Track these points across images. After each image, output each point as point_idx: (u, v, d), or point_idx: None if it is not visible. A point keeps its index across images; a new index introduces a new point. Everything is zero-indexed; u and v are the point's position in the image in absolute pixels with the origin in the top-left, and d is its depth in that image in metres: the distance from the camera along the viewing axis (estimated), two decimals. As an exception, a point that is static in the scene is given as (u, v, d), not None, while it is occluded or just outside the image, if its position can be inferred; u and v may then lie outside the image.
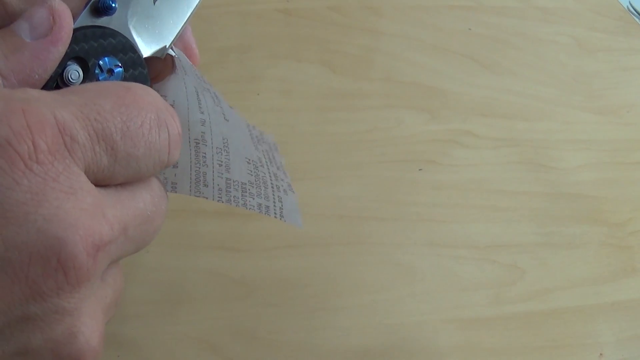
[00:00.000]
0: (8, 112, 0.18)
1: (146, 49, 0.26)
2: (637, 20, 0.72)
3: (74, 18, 0.23)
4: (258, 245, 0.47)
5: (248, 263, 0.46)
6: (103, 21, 0.24)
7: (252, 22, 0.62)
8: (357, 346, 0.43)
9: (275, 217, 0.28)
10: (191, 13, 0.27)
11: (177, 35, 0.27)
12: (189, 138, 0.27)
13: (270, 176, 0.28)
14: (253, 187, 0.28)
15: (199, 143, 0.27)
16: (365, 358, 0.43)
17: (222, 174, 0.27)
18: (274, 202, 0.28)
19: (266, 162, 0.28)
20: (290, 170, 0.52)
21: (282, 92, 0.57)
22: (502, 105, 0.60)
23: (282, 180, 0.29)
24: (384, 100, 0.58)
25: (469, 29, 0.66)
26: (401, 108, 0.58)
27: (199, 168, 0.27)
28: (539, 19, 0.69)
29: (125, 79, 0.24)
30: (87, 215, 0.19)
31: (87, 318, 0.20)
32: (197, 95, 0.27)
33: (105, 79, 0.24)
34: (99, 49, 0.24)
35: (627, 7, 0.74)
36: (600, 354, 0.45)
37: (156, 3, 0.26)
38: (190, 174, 0.27)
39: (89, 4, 0.24)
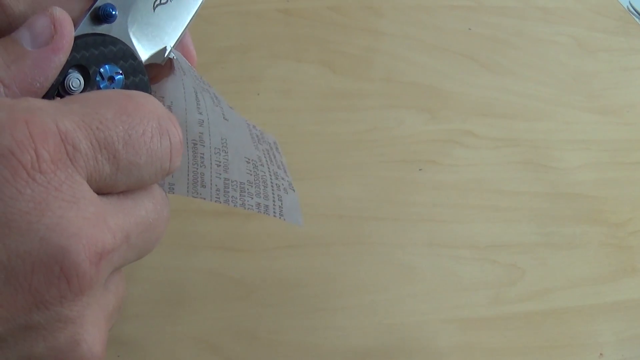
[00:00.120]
0: (11, 122, 0.18)
1: (146, 56, 0.26)
2: (637, 20, 0.72)
3: (75, 26, 0.23)
4: (258, 245, 0.47)
5: (248, 263, 0.46)
6: (103, 29, 0.24)
7: (252, 22, 0.62)
8: (357, 346, 0.43)
9: (275, 216, 0.28)
10: (191, 19, 0.27)
11: (177, 41, 0.27)
12: (187, 139, 0.27)
13: (270, 175, 0.28)
14: (252, 186, 0.28)
15: (196, 144, 0.27)
16: (365, 358, 0.43)
17: (220, 174, 0.27)
18: (274, 201, 0.28)
19: (266, 161, 0.28)
20: (290, 170, 0.52)
21: (282, 92, 0.57)
22: (502, 105, 0.60)
23: (283, 179, 0.29)
24: (384, 100, 0.58)
25: (469, 29, 0.66)
26: (401, 108, 0.58)
27: (197, 169, 0.27)
28: (539, 19, 0.69)
29: (126, 86, 0.24)
30: (89, 224, 0.19)
31: (90, 326, 0.20)
32: (196, 95, 0.27)
33: (106, 87, 0.24)
34: (100, 57, 0.24)
35: (627, 7, 0.74)
36: (600, 354, 0.45)
37: (156, 10, 0.26)
38: (188, 175, 0.27)
39: (90, 12, 0.24)
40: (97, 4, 0.24)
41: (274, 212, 0.28)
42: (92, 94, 0.21)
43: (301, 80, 0.58)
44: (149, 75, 0.26)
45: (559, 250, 0.51)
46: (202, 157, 0.27)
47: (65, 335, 0.19)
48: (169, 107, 0.27)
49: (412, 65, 0.62)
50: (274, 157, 0.29)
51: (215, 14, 0.60)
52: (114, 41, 0.24)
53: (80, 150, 0.19)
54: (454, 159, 0.55)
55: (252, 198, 0.27)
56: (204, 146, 0.27)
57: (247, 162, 0.28)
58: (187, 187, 0.27)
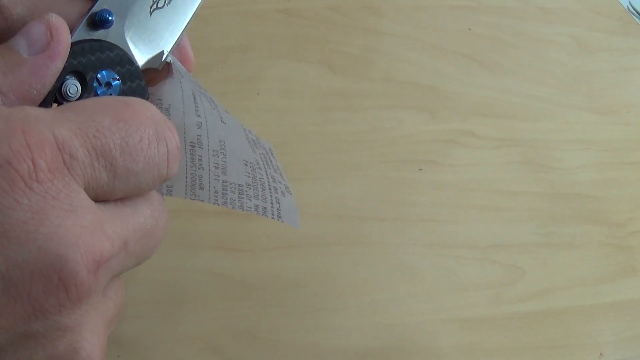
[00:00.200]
0: (8, 132, 0.18)
1: (143, 60, 0.26)
2: (637, 20, 0.72)
3: (72, 31, 0.23)
4: (258, 245, 0.47)
5: (248, 263, 0.46)
6: (100, 34, 0.24)
7: (252, 22, 0.62)
8: (357, 346, 0.43)
9: (273, 218, 0.28)
10: (187, 23, 0.27)
11: (174, 45, 0.27)
12: (185, 141, 0.27)
13: (267, 178, 0.28)
14: (250, 188, 0.28)
15: (194, 146, 0.27)
16: (365, 358, 0.43)
17: (219, 176, 0.27)
18: (272, 203, 0.28)
19: (263, 164, 0.28)
20: (290, 170, 0.52)
21: (282, 92, 0.57)
22: (502, 105, 0.60)
23: (280, 182, 0.29)
24: (384, 100, 0.58)
25: (469, 29, 0.66)
26: (401, 108, 0.58)
27: (195, 171, 0.27)
28: (538, 18, 0.69)
29: (123, 91, 0.24)
30: (87, 233, 0.19)
31: (89, 334, 0.20)
32: (194, 98, 0.27)
33: (103, 93, 0.24)
34: (97, 63, 0.24)
35: (627, 7, 0.74)
36: (600, 354, 0.45)
37: (152, 14, 0.26)
38: (186, 177, 0.27)
39: (86, 18, 0.24)
40: (94, 9, 0.24)
41: (272, 214, 0.28)
42: (89, 101, 0.21)
43: (301, 80, 0.58)
44: (146, 79, 0.26)
45: (559, 250, 0.51)
46: (201, 160, 0.27)
47: (64, 344, 0.19)
48: (167, 110, 0.27)
49: (412, 65, 0.62)
50: (270, 161, 0.29)
51: (215, 14, 0.60)
52: (111, 47, 0.24)
53: (77, 159, 0.19)
54: (454, 159, 0.55)
55: (251, 200, 0.27)
56: (202, 148, 0.27)
57: (245, 164, 0.28)
58: (185, 190, 0.27)
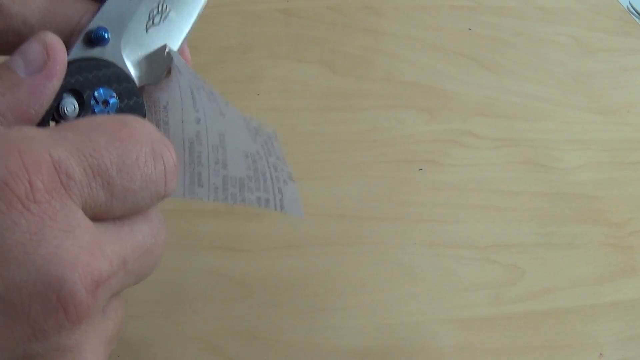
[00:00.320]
0: (4, 153, 0.18)
1: (141, 77, 0.26)
2: (637, 20, 0.72)
3: (68, 49, 0.23)
4: (258, 245, 0.47)
5: (248, 263, 0.46)
6: (96, 52, 0.24)
7: (252, 22, 0.62)
8: (357, 346, 0.43)
9: (276, 209, 0.28)
10: (184, 38, 0.27)
11: (170, 61, 0.27)
12: (183, 139, 0.27)
13: (269, 168, 0.28)
14: (252, 181, 0.27)
15: (193, 143, 0.27)
16: (365, 358, 0.43)
17: (219, 171, 0.27)
18: (274, 194, 0.28)
19: (265, 154, 0.28)
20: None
21: (282, 92, 0.57)
22: (502, 105, 0.60)
23: (282, 170, 0.29)
24: (384, 100, 0.58)
25: (469, 29, 0.66)
26: (401, 108, 0.58)
27: (194, 169, 0.27)
28: (539, 18, 0.69)
29: (120, 108, 0.24)
30: (85, 253, 0.19)
31: (89, 353, 0.20)
32: (192, 94, 0.27)
33: (100, 111, 0.24)
34: (94, 81, 0.24)
35: (627, 7, 0.74)
36: (600, 354, 0.45)
37: (148, 31, 0.26)
38: (184, 176, 0.27)
39: (83, 35, 0.24)
40: (90, 27, 0.24)
41: (275, 206, 0.28)
42: (85, 121, 0.21)
43: (301, 80, 0.58)
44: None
45: (559, 250, 0.51)
46: (200, 156, 0.27)
47: None
48: (165, 108, 0.27)
49: (412, 65, 0.62)
50: (273, 148, 0.29)
51: (215, 14, 0.60)
52: (107, 64, 0.24)
53: (74, 179, 0.19)
54: (454, 159, 0.55)
55: (252, 193, 0.27)
56: (201, 144, 0.27)
57: (245, 156, 0.28)
58: (184, 189, 0.27)
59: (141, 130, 0.21)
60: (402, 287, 0.47)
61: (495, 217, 0.52)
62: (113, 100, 0.24)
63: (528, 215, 0.52)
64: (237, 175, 0.27)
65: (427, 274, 0.48)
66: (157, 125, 0.27)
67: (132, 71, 0.25)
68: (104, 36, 0.24)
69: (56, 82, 0.22)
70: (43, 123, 0.22)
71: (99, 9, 0.25)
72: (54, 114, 0.23)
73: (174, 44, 0.27)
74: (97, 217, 0.20)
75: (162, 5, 0.26)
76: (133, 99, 0.25)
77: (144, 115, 0.25)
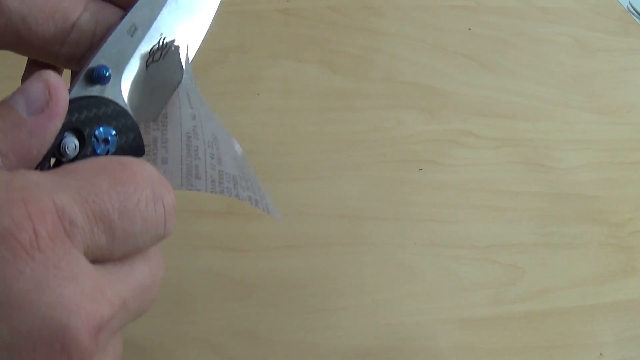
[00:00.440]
0: (9, 203, 0.19)
1: (140, 114, 0.26)
2: (637, 20, 0.73)
3: (72, 86, 0.23)
4: (258, 245, 0.47)
5: (248, 263, 0.46)
6: (96, 89, 0.24)
7: (252, 22, 0.62)
8: (357, 346, 0.43)
9: (264, 210, 0.28)
10: (183, 75, 0.27)
11: (170, 98, 0.27)
12: (181, 132, 0.27)
13: (253, 173, 0.29)
14: (243, 180, 0.28)
15: (190, 137, 0.27)
16: (365, 358, 0.43)
17: (215, 166, 0.27)
18: (261, 196, 0.28)
19: (247, 162, 0.29)
20: (290, 170, 0.52)
21: (282, 92, 0.57)
22: (502, 105, 0.60)
23: (259, 182, 0.29)
24: (384, 100, 0.58)
25: (469, 29, 0.66)
26: (401, 108, 0.58)
27: (191, 161, 0.27)
28: (539, 19, 0.69)
29: (120, 146, 0.25)
30: (88, 299, 0.19)
31: None
32: (187, 92, 0.28)
33: (101, 149, 0.24)
34: (94, 119, 0.24)
35: (627, 7, 0.74)
36: (600, 354, 0.45)
37: (149, 68, 0.26)
38: (182, 168, 0.27)
39: (84, 73, 0.24)
40: (91, 65, 0.24)
41: (263, 207, 0.28)
42: (87, 164, 0.21)
43: (301, 80, 0.58)
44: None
45: (559, 250, 0.51)
46: (197, 150, 0.27)
47: None
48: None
49: (412, 65, 0.62)
50: (247, 163, 0.29)
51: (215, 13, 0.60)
52: (108, 102, 0.24)
53: (77, 225, 0.20)
54: (454, 159, 0.55)
55: (244, 191, 0.28)
56: (197, 139, 0.27)
57: (234, 159, 0.28)
58: (181, 181, 0.27)
59: (142, 173, 0.22)
60: (402, 287, 0.47)
61: (495, 217, 0.52)
62: (113, 139, 0.24)
63: (528, 215, 0.52)
64: (230, 172, 0.28)
65: (427, 274, 0.48)
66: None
67: (132, 108, 0.25)
68: (105, 74, 0.24)
69: (58, 123, 0.22)
70: (44, 161, 0.22)
71: (100, 45, 0.25)
72: (55, 152, 0.23)
73: (174, 80, 0.27)
74: (98, 259, 0.21)
75: (163, 42, 0.26)
76: (133, 137, 0.25)
77: (143, 153, 0.25)
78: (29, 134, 0.21)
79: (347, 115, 0.56)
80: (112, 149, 0.24)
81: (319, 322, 0.44)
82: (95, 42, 0.26)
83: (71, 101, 0.22)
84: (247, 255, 0.46)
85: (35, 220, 0.19)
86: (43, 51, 0.26)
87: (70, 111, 0.22)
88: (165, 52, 0.27)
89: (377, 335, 0.44)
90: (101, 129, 0.24)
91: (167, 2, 0.27)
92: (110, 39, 0.25)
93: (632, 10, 0.74)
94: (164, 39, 0.26)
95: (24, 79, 0.29)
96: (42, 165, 0.22)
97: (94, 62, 0.25)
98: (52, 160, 0.23)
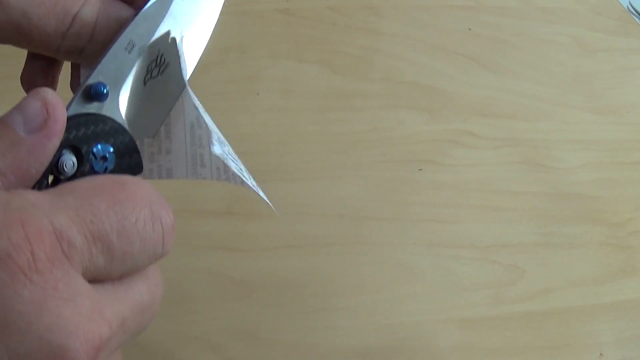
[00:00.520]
0: (7, 224, 0.19)
1: (138, 131, 0.26)
2: (637, 20, 0.73)
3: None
4: (258, 245, 0.47)
5: (248, 263, 0.46)
6: (94, 106, 0.24)
7: (252, 22, 0.62)
8: (357, 346, 0.43)
9: (264, 199, 0.29)
10: (181, 91, 0.27)
11: (169, 111, 0.27)
12: (184, 122, 0.27)
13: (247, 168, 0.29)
14: (243, 171, 0.28)
15: (194, 126, 0.27)
16: (365, 358, 0.43)
17: (219, 155, 0.27)
18: (258, 187, 0.29)
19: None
20: (290, 170, 0.52)
21: (282, 92, 0.57)
22: (502, 105, 0.60)
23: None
24: (384, 100, 0.58)
25: (469, 29, 0.66)
26: (401, 108, 0.58)
27: (195, 150, 0.27)
28: (539, 19, 0.69)
29: (118, 164, 0.25)
30: (86, 320, 0.19)
31: None
32: (187, 84, 0.28)
33: (99, 167, 0.24)
34: (92, 137, 0.24)
35: (627, 7, 0.74)
36: (600, 354, 0.45)
37: (147, 84, 0.26)
38: (186, 157, 0.27)
39: (81, 90, 0.24)
40: (89, 81, 0.24)
41: (263, 196, 0.29)
42: (85, 183, 0.21)
43: (301, 80, 0.58)
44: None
45: (559, 250, 0.51)
46: (201, 139, 0.27)
47: None
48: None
49: (412, 65, 0.62)
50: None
51: (215, 14, 0.60)
52: (106, 120, 0.24)
53: (75, 246, 0.20)
54: (454, 159, 0.55)
55: (247, 180, 0.28)
56: (201, 128, 0.27)
57: (231, 152, 0.29)
58: (186, 170, 0.27)
59: (140, 193, 0.22)
60: (402, 287, 0.47)
61: (495, 217, 0.52)
62: (111, 156, 0.24)
63: (528, 215, 0.52)
64: (231, 163, 0.28)
65: (427, 274, 0.48)
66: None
67: (130, 125, 0.25)
68: (103, 92, 0.24)
69: (56, 141, 0.22)
70: (42, 178, 0.22)
71: (98, 63, 0.25)
72: (53, 169, 0.23)
73: (174, 94, 0.27)
74: (96, 279, 0.21)
75: (161, 59, 0.26)
76: (130, 154, 0.25)
77: (141, 170, 0.25)
78: (28, 153, 0.21)
79: (347, 115, 0.56)
80: (110, 166, 0.24)
81: (319, 322, 0.44)
82: (96, 34, 0.26)
83: (69, 118, 0.22)
84: (247, 255, 0.46)
85: (33, 241, 0.19)
86: (44, 44, 0.26)
87: (68, 128, 0.22)
88: (163, 69, 0.27)
89: (377, 335, 0.44)
90: (99, 146, 0.24)
91: (165, 18, 0.27)
92: (108, 56, 0.25)
93: (632, 10, 0.74)
94: (161, 55, 0.26)
95: (24, 74, 0.29)
96: (40, 183, 0.22)
97: (92, 79, 0.25)
98: (50, 178, 0.23)
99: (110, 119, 0.25)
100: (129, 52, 0.25)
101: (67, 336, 0.19)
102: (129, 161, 0.25)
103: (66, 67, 0.30)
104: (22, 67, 0.29)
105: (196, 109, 0.27)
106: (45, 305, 0.18)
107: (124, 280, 0.22)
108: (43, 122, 0.21)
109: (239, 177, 0.27)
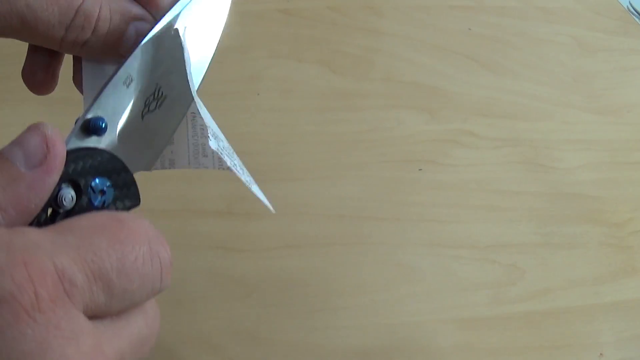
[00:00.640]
0: (10, 265, 0.19)
1: (136, 164, 0.26)
2: (637, 20, 0.73)
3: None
4: (258, 245, 0.47)
5: (248, 263, 0.46)
6: (93, 141, 0.25)
7: (252, 22, 0.62)
8: (357, 346, 0.43)
9: (257, 195, 0.29)
10: (178, 125, 0.28)
11: (167, 143, 0.27)
12: (186, 112, 0.27)
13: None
14: (237, 166, 0.28)
15: (195, 116, 0.28)
16: (365, 358, 0.43)
17: (219, 145, 0.28)
18: (255, 183, 0.29)
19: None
20: (290, 170, 0.52)
21: (282, 92, 0.57)
22: (502, 105, 0.60)
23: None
24: (384, 100, 0.58)
25: (469, 29, 0.66)
26: (401, 108, 0.58)
27: (197, 140, 0.28)
28: (539, 19, 0.69)
29: (116, 197, 0.25)
30: (88, 358, 0.20)
31: None
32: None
33: (97, 201, 0.24)
34: (91, 171, 0.24)
35: (627, 7, 0.74)
36: (600, 354, 0.45)
37: (144, 118, 0.26)
38: (188, 147, 0.28)
39: (80, 124, 0.24)
40: (87, 116, 0.25)
41: (257, 194, 0.29)
42: (85, 221, 0.22)
43: (301, 80, 0.58)
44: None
45: (559, 250, 0.51)
46: (202, 129, 0.28)
47: None
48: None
49: (412, 65, 0.62)
50: None
51: (215, 14, 0.60)
52: (103, 154, 0.25)
53: (77, 285, 0.20)
54: (454, 159, 0.55)
55: (242, 176, 0.28)
56: (202, 119, 0.28)
57: (226, 147, 0.29)
58: (189, 160, 0.28)
59: (138, 230, 0.22)
60: (402, 287, 0.47)
61: (495, 217, 0.52)
62: (109, 190, 0.25)
63: (528, 215, 0.52)
64: (231, 156, 0.28)
65: (427, 274, 0.48)
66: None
67: (127, 158, 0.26)
68: (101, 126, 0.25)
69: (56, 176, 0.22)
70: (41, 212, 0.22)
71: (96, 97, 0.25)
72: (52, 203, 0.23)
73: (170, 129, 0.27)
74: (96, 315, 0.21)
75: (158, 92, 0.27)
76: (128, 187, 0.25)
77: (138, 203, 0.26)
78: (28, 188, 0.21)
79: (347, 115, 0.56)
80: (108, 200, 0.25)
81: (319, 322, 0.44)
82: (99, 26, 0.26)
83: (68, 152, 0.23)
84: (247, 255, 0.46)
85: (36, 282, 0.19)
86: (47, 37, 0.26)
87: (67, 162, 0.23)
88: (161, 103, 0.27)
89: (377, 335, 0.44)
90: (97, 180, 0.24)
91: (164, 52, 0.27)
92: (107, 90, 0.25)
93: (632, 10, 0.74)
94: (159, 89, 0.26)
95: (25, 68, 0.29)
96: (39, 217, 0.22)
97: (91, 113, 0.25)
98: (49, 211, 0.23)
99: (108, 152, 0.25)
100: (127, 87, 0.26)
101: None
102: (127, 194, 0.25)
103: (67, 64, 0.30)
104: (22, 66, 0.30)
105: (197, 102, 0.28)
106: (48, 344, 0.19)
107: (122, 316, 0.22)
108: (43, 158, 0.22)
109: (234, 172, 0.27)
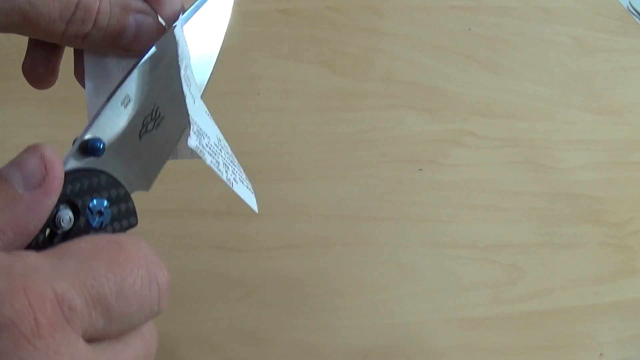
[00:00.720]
0: (10, 292, 0.19)
1: (133, 184, 0.26)
2: (637, 20, 0.73)
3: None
4: (258, 245, 0.47)
5: (248, 263, 0.46)
6: (90, 162, 0.25)
7: (252, 22, 0.62)
8: (357, 346, 0.43)
9: (240, 194, 0.29)
10: (175, 145, 0.28)
11: (162, 166, 0.28)
12: (183, 132, 0.28)
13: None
14: (220, 165, 0.28)
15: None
16: (365, 358, 0.43)
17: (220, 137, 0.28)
18: (243, 182, 0.29)
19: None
20: (290, 170, 0.52)
21: (282, 92, 0.57)
22: (502, 105, 0.60)
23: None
24: (384, 100, 0.58)
25: (469, 29, 0.66)
26: (401, 108, 0.58)
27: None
28: (539, 19, 0.69)
29: (114, 217, 0.25)
30: None
31: None
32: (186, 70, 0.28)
33: (95, 222, 0.25)
34: (89, 192, 0.24)
35: (627, 7, 0.74)
36: (600, 354, 0.45)
37: (142, 138, 0.27)
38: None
39: (78, 145, 0.25)
40: (85, 136, 0.25)
41: (241, 194, 0.29)
42: (84, 245, 0.22)
43: (301, 80, 0.58)
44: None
45: (559, 250, 0.51)
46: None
47: None
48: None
49: (412, 65, 0.62)
50: None
51: (215, 14, 0.60)
52: (101, 175, 0.25)
53: (76, 310, 0.20)
54: (454, 159, 0.55)
55: (222, 175, 0.28)
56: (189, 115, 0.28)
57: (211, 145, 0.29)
58: (192, 150, 0.28)
59: (137, 253, 0.22)
60: (402, 287, 0.47)
61: (495, 217, 0.52)
62: (107, 211, 0.25)
63: (528, 215, 0.52)
64: (208, 156, 0.28)
65: (427, 274, 0.48)
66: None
67: (125, 179, 0.26)
68: (99, 147, 0.25)
69: (54, 198, 0.22)
70: (39, 233, 0.22)
71: (94, 118, 0.25)
72: (50, 224, 0.23)
73: (167, 149, 0.27)
74: (94, 339, 0.21)
75: (156, 113, 0.27)
76: (126, 208, 0.26)
77: (136, 223, 0.26)
78: (26, 210, 0.21)
79: (347, 115, 0.56)
80: (106, 221, 0.25)
81: (319, 322, 0.44)
82: (100, 20, 0.27)
83: (66, 173, 0.23)
84: (247, 255, 0.46)
85: (36, 308, 0.19)
86: (48, 31, 0.26)
87: (65, 183, 0.23)
88: (158, 123, 0.27)
89: (377, 335, 0.44)
90: (95, 201, 0.24)
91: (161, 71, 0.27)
92: (104, 111, 0.25)
93: (632, 10, 0.74)
94: (157, 110, 0.27)
95: (26, 63, 0.29)
96: (37, 237, 0.22)
97: (88, 134, 0.25)
98: (47, 231, 0.23)
99: (106, 173, 0.25)
100: (125, 107, 0.26)
101: None
102: (125, 215, 0.26)
103: (67, 59, 0.30)
104: (21, 66, 0.30)
105: (199, 91, 0.28)
106: None
107: (121, 338, 0.22)
108: (42, 179, 0.22)
109: (214, 170, 0.27)
